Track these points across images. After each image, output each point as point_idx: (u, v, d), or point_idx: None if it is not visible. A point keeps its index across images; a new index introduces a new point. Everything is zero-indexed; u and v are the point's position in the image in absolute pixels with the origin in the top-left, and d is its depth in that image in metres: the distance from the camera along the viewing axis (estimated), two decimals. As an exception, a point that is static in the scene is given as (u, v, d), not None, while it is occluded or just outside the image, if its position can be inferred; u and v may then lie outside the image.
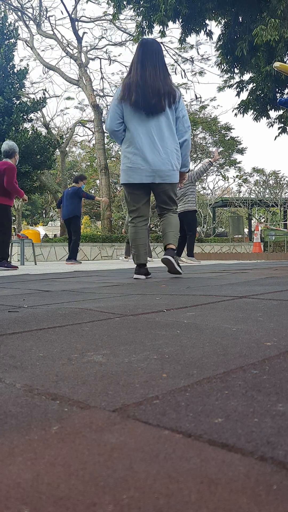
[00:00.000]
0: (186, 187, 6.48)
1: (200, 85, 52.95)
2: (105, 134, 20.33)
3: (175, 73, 24.89)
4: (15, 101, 12.48)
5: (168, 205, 3.14)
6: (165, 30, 9.34)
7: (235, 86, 10.75)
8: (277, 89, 9.81)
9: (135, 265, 3.14)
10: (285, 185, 21.41)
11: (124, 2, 9.37)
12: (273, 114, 18.19)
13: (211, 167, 6.33)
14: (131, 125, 2.96)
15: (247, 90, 10.60)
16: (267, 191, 21.53)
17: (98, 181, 23.93)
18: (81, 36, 18.61)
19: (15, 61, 17.60)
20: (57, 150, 17.06)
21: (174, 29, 41.48)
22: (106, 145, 20.28)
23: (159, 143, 2.96)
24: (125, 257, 9.18)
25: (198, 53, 29.51)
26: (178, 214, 6.58)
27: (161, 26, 9.18)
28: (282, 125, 10.94)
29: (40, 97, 12.99)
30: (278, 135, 11.15)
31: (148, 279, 2.92)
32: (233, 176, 34.64)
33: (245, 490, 0.34)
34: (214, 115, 24.64)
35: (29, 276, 3.73)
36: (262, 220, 22.87)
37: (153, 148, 2.95)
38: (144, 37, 3.24)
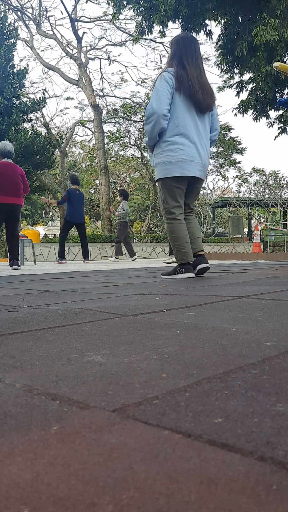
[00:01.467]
0: None
1: (199, 85, 52.82)
2: (105, 134, 20.32)
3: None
4: (15, 101, 12.48)
5: (193, 205, 3.18)
6: (165, 30, 9.34)
7: (234, 86, 10.75)
8: (277, 89, 9.81)
9: (180, 264, 2.91)
10: (285, 185, 21.42)
11: (124, 2, 9.37)
12: (273, 114, 18.22)
13: None
14: (183, 117, 2.89)
15: (246, 90, 10.60)
16: (267, 191, 21.54)
17: (98, 181, 23.93)
18: (80, 36, 18.62)
19: (15, 61, 17.61)
20: (57, 150, 17.06)
21: (174, 29, 41.51)
22: (106, 145, 20.28)
23: (205, 139, 3.00)
24: (116, 257, 9.13)
25: (198, 53, 29.39)
26: None
27: (161, 26, 9.17)
28: (282, 125, 10.93)
29: (40, 97, 12.99)
30: (278, 135, 11.14)
31: (147, 280, 2.92)
32: (233, 176, 34.65)
33: (245, 490, 0.34)
34: (214, 115, 24.61)
35: (29, 276, 3.72)
36: (262, 220, 22.88)
37: (202, 143, 2.97)
38: (183, 33, 3.06)
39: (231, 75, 10.59)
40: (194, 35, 9.62)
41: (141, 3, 9.13)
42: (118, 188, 26.84)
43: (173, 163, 2.89)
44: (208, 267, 3.06)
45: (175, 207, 2.96)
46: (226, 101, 47.97)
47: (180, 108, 2.88)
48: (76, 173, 31.89)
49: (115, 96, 23.07)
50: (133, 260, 9.01)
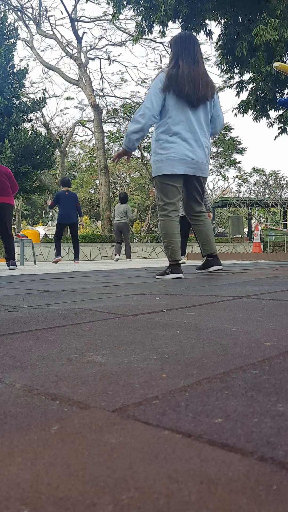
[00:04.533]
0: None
1: (199, 85, 52.81)
2: (105, 134, 20.31)
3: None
4: (15, 101, 12.47)
5: (200, 204, 3.16)
6: (165, 30, 9.34)
7: (235, 86, 10.75)
8: (277, 89, 9.81)
9: (170, 263, 2.94)
10: (285, 185, 21.41)
11: (124, 2, 9.36)
12: (273, 114, 18.18)
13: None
14: (174, 114, 2.90)
15: (247, 90, 10.60)
16: (267, 191, 21.53)
17: (98, 181, 23.94)
18: (80, 36, 18.62)
19: (15, 61, 17.58)
20: (57, 150, 17.05)
21: (174, 29, 41.50)
22: (106, 145, 20.28)
23: (200, 135, 2.97)
24: (115, 254, 9.35)
25: (198, 53, 29.38)
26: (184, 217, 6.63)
27: (161, 26, 9.17)
28: (282, 125, 10.93)
29: (40, 97, 12.98)
30: (278, 135, 11.14)
31: (147, 280, 2.93)
32: (233, 176, 34.63)
33: (245, 490, 0.34)
34: (214, 115, 24.61)
35: (29, 276, 3.73)
36: (262, 220, 22.87)
37: (196, 139, 2.95)
38: (180, 33, 3.12)
39: (231, 75, 10.59)
40: (194, 35, 9.64)
41: (141, 3, 9.13)
42: (118, 188, 26.84)
43: (164, 161, 2.91)
44: (221, 268, 3.22)
45: (168, 204, 2.97)
46: (226, 101, 47.99)
47: (172, 106, 2.89)
48: (76, 173, 31.90)
49: (115, 96, 23.06)
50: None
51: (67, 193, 8.19)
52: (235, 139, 25.05)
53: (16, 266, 5.39)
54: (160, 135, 2.94)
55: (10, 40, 12.45)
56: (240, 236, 15.97)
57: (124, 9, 9.68)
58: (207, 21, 9.51)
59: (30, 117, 13.24)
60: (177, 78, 2.88)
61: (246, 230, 21.31)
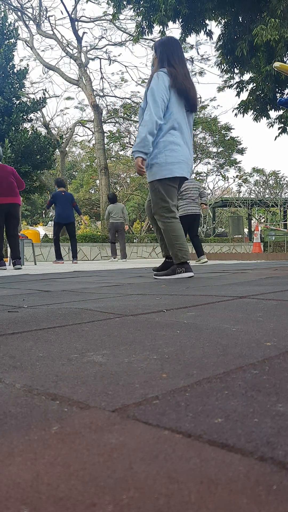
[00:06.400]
0: (199, 190, 6.63)
1: (200, 85, 52.75)
2: (105, 134, 20.30)
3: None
4: (15, 101, 12.47)
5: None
6: (165, 30, 9.33)
7: (235, 86, 10.74)
8: (277, 89, 9.80)
9: (181, 262, 2.89)
10: (285, 185, 21.41)
11: (124, 2, 9.36)
12: (273, 114, 18.22)
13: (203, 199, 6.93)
14: (177, 115, 2.86)
15: (247, 90, 10.59)
16: (267, 191, 21.53)
17: (98, 181, 23.94)
18: (81, 36, 18.62)
19: (15, 61, 17.59)
20: (57, 150, 17.05)
21: (174, 29, 41.55)
22: (106, 145, 20.28)
23: (191, 139, 2.99)
24: (114, 257, 9.42)
25: (198, 53, 29.42)
26: (196, 215, 6.57)
27: (161, 26, 9.16)
28: (282, 125, 10.92)
29: (40, 97, 12.97)
30: (278, 135, 11.13)
31: (147, 280, 2.92)
32: (233, 176, 34.66)
33: (245, 490, 0.34)
34: (214, 115, 24.66)
35: (29, 276, 3.72)
36: (262, 220, 22.87)
37: (189, 144, 2.97)
38: (166, 37, 3.02)
39: (231, 75, 10.59)
40: (194, 35, 9.65)
41: (141, 3, 9.13)
42: (118, 188, 26.83)
43: (174, 164, 2.84)
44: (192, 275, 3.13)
45: (173, 206, 2.92)
46: (226, 101, 47.98)
47: (175, 106, 2.85)
48: (76, 173, 31.91)
49: (115, 96, 23.05)
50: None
51: (63, 193, 8.38)
52: (235, 139, 25.02)
53: (21, 265, 5.47)
54: (166, 134, 2.84)
55: (10, 40, 12.44)
56: (240, 236, 15.98)
57: (124, 9, 9.68)
58: (207, 21, 9.50)
59: (30, 117, 13.24)
60: (176, 77, 2.82)
61: (246, 230, 21.31)
